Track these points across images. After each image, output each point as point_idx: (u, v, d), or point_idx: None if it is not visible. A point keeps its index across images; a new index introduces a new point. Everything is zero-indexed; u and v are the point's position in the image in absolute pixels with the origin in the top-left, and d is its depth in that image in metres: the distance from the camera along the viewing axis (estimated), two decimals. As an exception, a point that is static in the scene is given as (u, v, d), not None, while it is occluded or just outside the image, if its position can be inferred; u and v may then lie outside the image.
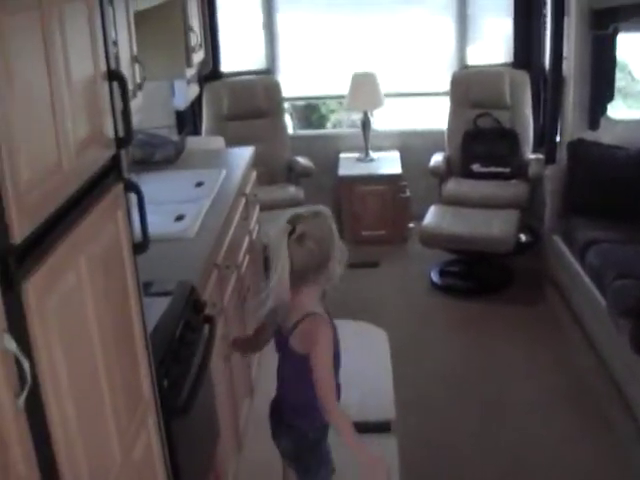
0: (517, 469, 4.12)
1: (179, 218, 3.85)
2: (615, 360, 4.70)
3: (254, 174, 5.19)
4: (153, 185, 4.17)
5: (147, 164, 4.68)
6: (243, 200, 4.65)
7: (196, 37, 4.77)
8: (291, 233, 2.72)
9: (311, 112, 8.93)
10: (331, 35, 7.43)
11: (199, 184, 4.41)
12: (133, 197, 2.28)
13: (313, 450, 3.06)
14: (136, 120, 4.36)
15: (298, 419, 3.01)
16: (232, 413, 3.88)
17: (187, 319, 2.89)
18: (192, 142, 5.58)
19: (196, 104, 6.80)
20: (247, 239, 4.68)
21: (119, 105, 2.18)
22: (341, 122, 8.97)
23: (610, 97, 6.29)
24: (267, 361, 4.76)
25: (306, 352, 2.77)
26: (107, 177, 2.09)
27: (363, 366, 5.03)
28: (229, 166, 4.82)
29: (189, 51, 4.58)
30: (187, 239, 3.62)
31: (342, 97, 7.32)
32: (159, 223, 3.57)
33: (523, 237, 6.65)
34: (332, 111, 9.03)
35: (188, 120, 6.59)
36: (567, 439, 4.35)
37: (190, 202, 4.07)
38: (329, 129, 8.82)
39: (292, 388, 2.99)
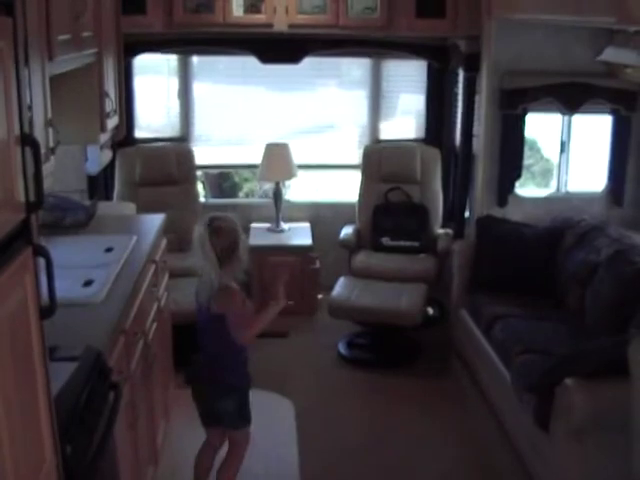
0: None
1: (88, 283, 3.80)
2: (519, 434, 4.75)
3: (164, 241, 5.17)
4: (62, 249, 4.13)
5: (57, 228, 4.62)
6: (153, 267, 4.63)
7: (111, 103, 4.77)
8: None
9: (224, 180, 8.96)
10: (246, 105, 7.50)
11: (109, 249, 4.37)
12: (41, 261, 2.26)
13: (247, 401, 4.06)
14: (47, 184, 4.32)
15: (231, 376, 3.95)
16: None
17: (93, 385, 2.85)
18: (103, 207, 5.53)
19: (109, 169, 6.76)
20: (155, 306, 4.64)
21: (31, 169, 2.17)
22: (254, 191, 9.01)
23: (518, 175, 6.47)
24: (172, 430, 4.74)
25: (222, 312, 3.82)
26: (16, 241, 2.07)
27: (268, 436, 5.00)
28: (140, 232, 4.79)
29: (103, 116, 4.58)
30: (95, 304, 3.58)
31: (255, 167, 7.37)
32: (67, 288, 3.54)
33: (430, 311, 6.73)
34: (245, 179, 9.07)
35: (100, 185, 6.55)
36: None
37: (99, 267, 4.03)
38: (241, 198, 8.85)
39: (216, 349, 3.95)
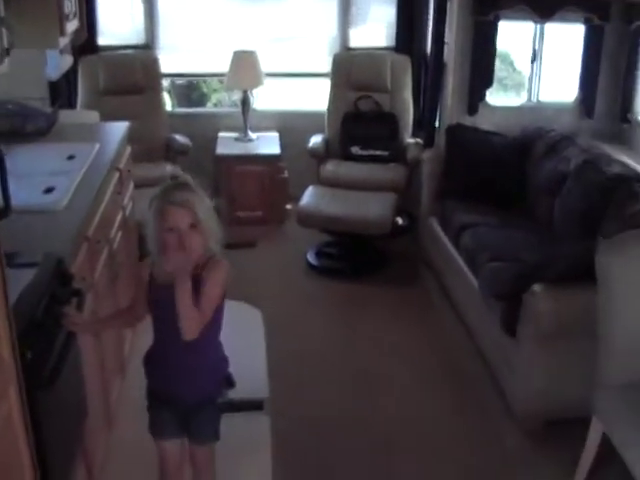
0: (388, 446, 4.15)
1: (49, 190, 3.71)
2: (486, 341, 4.77)
3: (129, 149, 5.07)
4: (23, 157, 4.05)
5: (17, 135, 4.51)
6: (117, 175, 4.53)
7: (70, 4, 4.62)
8: None
9: (192, 91, 8.81)
10: (213, 13, 7.34)
11: (71, 157, 4.27)
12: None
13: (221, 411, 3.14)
14: (4, 88, 4.21)
15: (205, 375, 3.02)
16: (102, 391, 3.79)
17: (53, 291, 2.79)
18: (65, 115, 5.39)
19: (71, 77, 6.62)
20: (120, 215, 4.57)
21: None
22: (222, 102, 8.88)
23: (489, 83, 6.40)
24: (139, 340, 4.71)
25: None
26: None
27: (237, 345, 4.92)
28: (103, 140, 4.68)
29: (62, 19, 4.43)
30: (57, 211, 3.49)
31: (222, 75, 7.24)
32: (28, 195, 3.47)
33: (400, 220, 6.69)
34: (214, 90, 8.92)
35: (63, 94, 6.41)
36: (438, 417, 4.42)
37: (61, 175, 3.93)
38: (208, 108, 8.71)
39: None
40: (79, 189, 3.78)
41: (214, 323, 2.94)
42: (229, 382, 3.14)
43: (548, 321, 3.92)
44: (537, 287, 3.97)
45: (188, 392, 2.98)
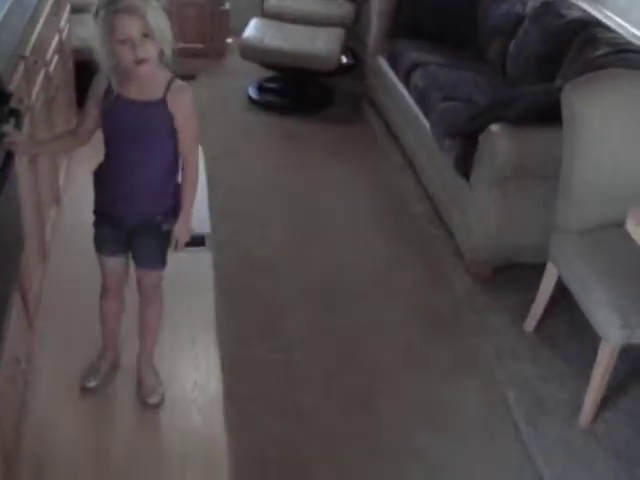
0: (335, 291, 4.06)
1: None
2: (436, 183, 4.66)
3: (64, -32, 4.76)
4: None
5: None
6: (53, -6, 4.25)
7: None
8: None
9: None
10: None
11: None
12: None
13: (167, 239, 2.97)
14: None
15: (152, 195, 2.87)
16: (37, 221, 3.61)
17: (-9, 109, 2.59)
18: None
19: None
20: (57, 38, 4.31)
21: None
22: None
23: None
24: (73, 172, 4.54)
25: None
26: None
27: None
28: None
29: None
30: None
31: None
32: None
33: (344, 59, 6.49)
34: None
35: None
36: (387, 261, 4.35)
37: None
38: None
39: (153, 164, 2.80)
40: (13, 6, 3.51)
41: (173, 144, 2.81)
42: (176, 212, 2.98)
43: (504, 162, 3.78)
44: (495, 127, 3.83)
45: (132, 211, 2.87)
